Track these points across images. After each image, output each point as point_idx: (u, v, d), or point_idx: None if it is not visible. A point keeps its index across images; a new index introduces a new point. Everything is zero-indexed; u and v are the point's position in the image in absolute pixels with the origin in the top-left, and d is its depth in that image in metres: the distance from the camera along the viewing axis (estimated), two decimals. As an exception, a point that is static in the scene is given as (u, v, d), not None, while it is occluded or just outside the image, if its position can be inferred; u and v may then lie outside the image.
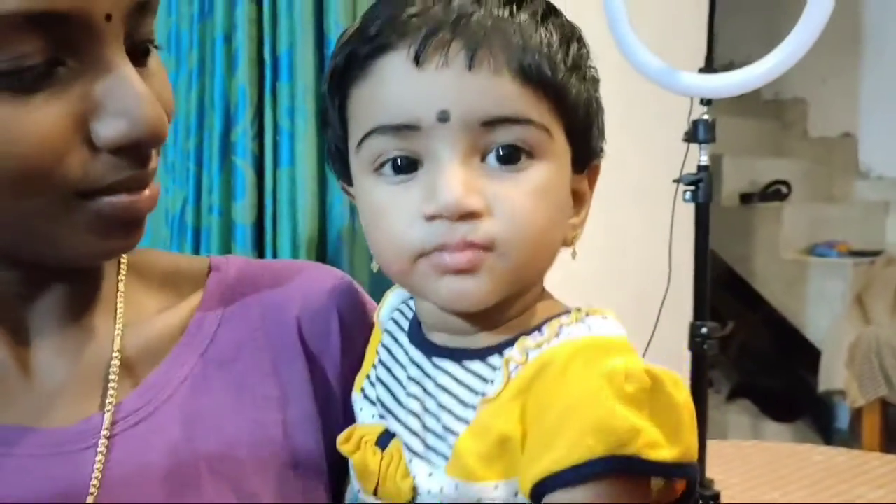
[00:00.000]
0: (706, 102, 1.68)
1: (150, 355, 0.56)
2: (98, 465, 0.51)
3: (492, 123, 0.47)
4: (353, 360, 0.60)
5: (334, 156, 0.55)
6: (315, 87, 1.49)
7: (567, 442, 0.43)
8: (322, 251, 1.52)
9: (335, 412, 0.60)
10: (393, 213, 0.49)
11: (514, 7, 0.49)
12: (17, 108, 0.45)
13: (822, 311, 3.32)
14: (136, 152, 0.48)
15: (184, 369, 0.56)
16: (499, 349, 0.50)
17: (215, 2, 1.52)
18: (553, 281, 0.54)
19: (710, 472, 2.35)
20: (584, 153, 0.53)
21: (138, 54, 0.50)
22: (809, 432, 3.46)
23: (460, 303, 0.49)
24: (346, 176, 0.54)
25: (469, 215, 0.47)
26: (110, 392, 0.53)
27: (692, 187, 1.68)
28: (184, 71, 1.57)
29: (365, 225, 0.52)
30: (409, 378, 0.53)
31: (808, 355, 3.30)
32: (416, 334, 0.54)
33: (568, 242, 0.54)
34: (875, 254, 3.37)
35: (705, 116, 1.68)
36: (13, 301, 0.53)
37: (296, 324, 0.60)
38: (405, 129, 0.48)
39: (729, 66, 1.63)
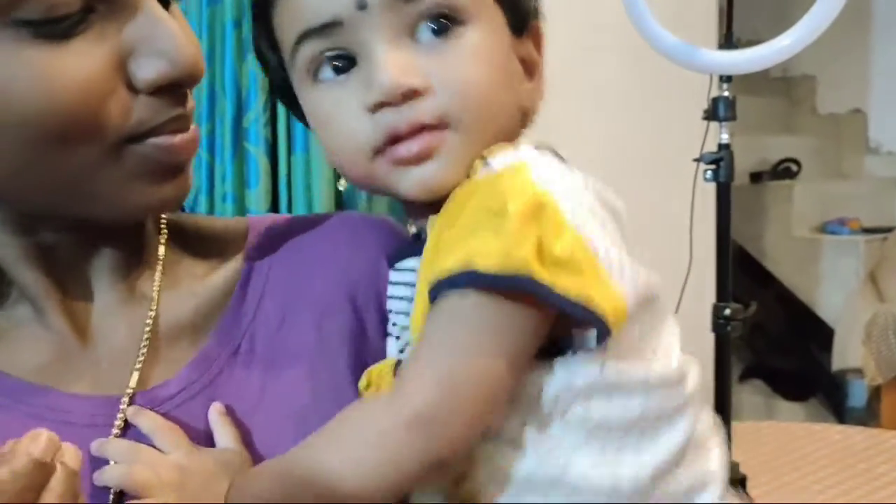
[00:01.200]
0: (726, 79, 1.65)
1: (200, 322, 0.56)
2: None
3: None
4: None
5: (282, 89, 0.53)
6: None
7: (438, 261, 0.44)
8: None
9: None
10: (338, 114, 0.49)
11: None
12: (54, 56, 0.44)
13: (835, 288, 3.30)
14: (175, 92, 0.48)
15: (234, 341, 0.56)
16: None
17: (224, -14, 1.49)
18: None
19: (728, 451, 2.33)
20: (518, 14, 0.52)
21: (162, 2, 0.50)
22: (823, 411, 3.45)
23: (428, 192, 0.48)
24: (298, 110, 0.53)
25: (411, 94, 0.46)
26: (137, 365, 0.53)
27: (713, 166, 1.65)
28: (193, 57, 1.54)
29: (319, 137, 0.52)
30: (396, 283, 0.54)
31: (821, 334, 3.29)
32: (414, 243, 0.53)
33: (527, 111, 0.53)
34: (887, 230, 3.34)
35: (725, 94, 1.65)
36: (63, 264, 0.53)
37: (343, 276, 0.59)
38: (329, 27, 0.47)
39: (737, 43, 1.61)
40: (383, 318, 0.58)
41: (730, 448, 1.67)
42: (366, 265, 0.59)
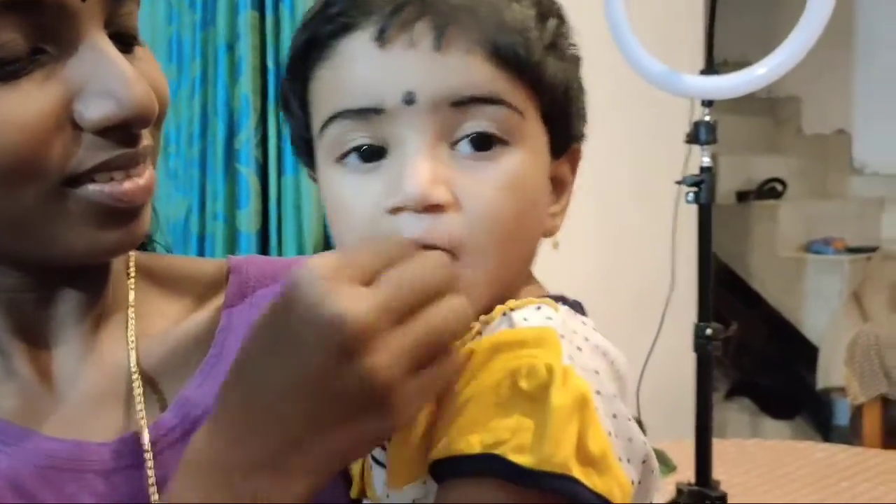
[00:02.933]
0: (707, 104, 1.69)
1: (176, 368, 0.55)
2: (152, 488, 0.50)
3: (462, 104, 0.44)
4: None
5: (299, 144, 0.51)
6: (319, 94, 1.49)
7: (454, 432, 0.41)
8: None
9: None
10: (356, 206, 0.46)
11: None
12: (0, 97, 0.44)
13: (819, 307, 3.33)
14: (124, 133, 0.47)
15: (216, 383, 0.54)
16: None
17: (217, 10, 1.52)
18: (554, 285, 0.51)
19: (713, 471, 2.35)
20: (563, 137, 0.49)
21: (123, 43, 0.48)
22: (808, 429, 3.47)
23: None
24: (313, 164, 0.51)
25: (435, 208, 0.44)
26: (139, 408, 0.52)
27: (695, 188, 1.69)
28: (186, 79, 1.57)
29: (329, 218, 0.49)
30: None
31: (806, 352, 3.31)
32: None
33: (548, 233, 0.51)
34: (871, 250, 3.38)
35: (706, 118, 1.69)
36: (27, 307, 0.51)
37: None
38: (369, 112, 0.44)
39: (723, 65, 1.64)
40: None
41: (710, 466, 1.68)
42: None
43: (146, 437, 0.51)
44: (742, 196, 3.61)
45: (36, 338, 0.52)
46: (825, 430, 3.42)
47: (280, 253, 1.52)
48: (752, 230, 3.54)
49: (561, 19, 0.48)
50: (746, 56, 1.58)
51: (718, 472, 2.41)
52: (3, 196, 0.45)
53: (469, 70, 0.44)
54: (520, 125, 0.46)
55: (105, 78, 0.45)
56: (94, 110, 0.45)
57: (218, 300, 0.58)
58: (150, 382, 0.54)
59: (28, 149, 0.44)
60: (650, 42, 1.66)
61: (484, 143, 0.45)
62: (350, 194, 0.46)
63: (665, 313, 1.80)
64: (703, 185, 1.69)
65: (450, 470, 0.41)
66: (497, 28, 0.45)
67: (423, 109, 0.44)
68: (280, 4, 1.50)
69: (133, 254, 0.57)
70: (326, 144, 0.47)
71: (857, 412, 3.00)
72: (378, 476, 0.49)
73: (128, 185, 0.47)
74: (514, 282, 0.48)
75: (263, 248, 1.53)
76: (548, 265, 0.54)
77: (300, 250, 1.51)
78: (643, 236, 1.93)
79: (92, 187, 0.47)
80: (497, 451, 0.39)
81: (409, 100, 0.44)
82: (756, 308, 3.63)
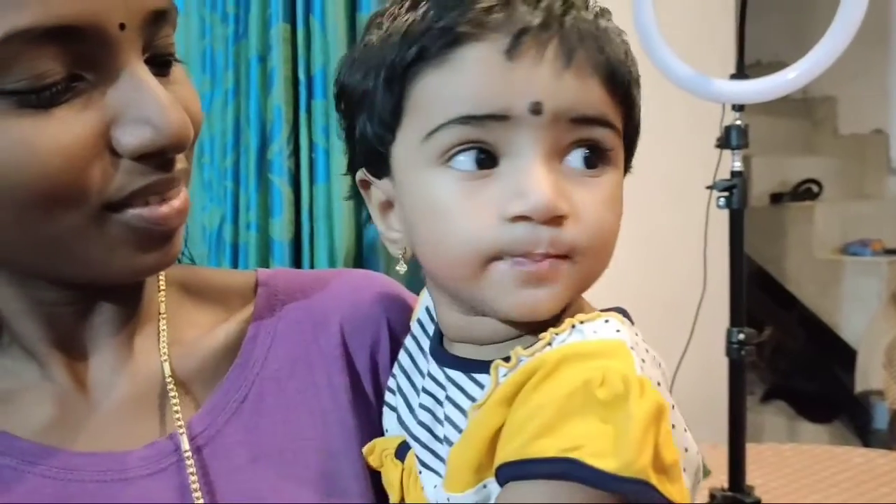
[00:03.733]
0: (738, 108, 1.68)
1: (205, 375, 0.56)
2: (194, 486, 0.51)
3: (579, 122, 0.47)
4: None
5: (365, 147, 0.51)
6: (349, 105, 1.51)
7: (526, 438, 0.42)
8: (359, 266, 1.54)
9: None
10: (465, 210, 0.46)
11: (596, 15, 0.49)
12: (38, 124, 0.44)
13: (857, 310, 3.28)
14: (160, 158, 0.48)
15: (241, 390, 0.56)
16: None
17: (249, 23, 1.55)
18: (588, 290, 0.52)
19: (749, 476, 2.33)
20: (630, 160, 0.53)
21: (159, 66, 0.50)
22: (847, 433, 3.42)
23: (532, 315, 0.47)
24: (376, 166, 0.52)
25: (555, 219, 0.46)
26: (176, 416, 0.53)
27: (726, 193, 1.68)
28: (219, 91, 1.59)
29: (418, 222, 0.49)
30: (423, 390, 0.53)
31: (844, 355, 3.27)
32: (437, 345, 0.53)
33: None
34: (910, 251, 3.33)
35: (738, 122, 1.68)
36: (65, 320, 0.53)
37: (339, 333, 0.60)
38: (491, 119, 0.46)
39: (756, 66, 1.63)
40: (376, 380, 0.60)
41: (744, 471, 1.67)
42: (368, 327, 0.61)
43: (185, 441, 0.52)
44: (777, 198, 3.57)
45: (72, 348, 0.54)
46: (864, 434, 3.37)
47: (312, 261, 1.54)
48: (788, 232, 3.50)
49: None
50: (780, 56, 1.58)
51: (754, 476, 2.39)
52: (43, 220, 0.46)
53: (589, 91, 0.47)
54: (618, 147, 0.49)
55: (142, 106, 0.46)
56: (131, 137, 0.46)
57: (247, 311, 0.60)
58: (181, 388, 0.55)
59: (68, 175, 0.45)
60: (682, 45, 1.66)
61: (592, 160, 0.48)
62: (456, 197, 0.47)
63: (697, 318, 1.79)
64: (734, 190, 1.68)
65: (519, 473, 0.42)
66: (613, 57, 0.48)
67: (547, 121, 0.46)
68: (311, 17, 1.52)
69: None
70: (433, 148, 0.47)
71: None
72: (429, 480, 0.50)
73: (164, 208, 0.49)
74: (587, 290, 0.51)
75: (296, 257, 1.55)
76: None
77: (332, 258, 1.53)
78: (676, 241, 1.92)
79: (131, 212, 0.48)
80: (574, 455, 0.41)
81: (537, 110, 0.45)
82: (793, 311, 3.59)
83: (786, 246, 3.51)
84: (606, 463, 0.40)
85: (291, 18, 1.52)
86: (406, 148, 0.49)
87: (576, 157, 0.47)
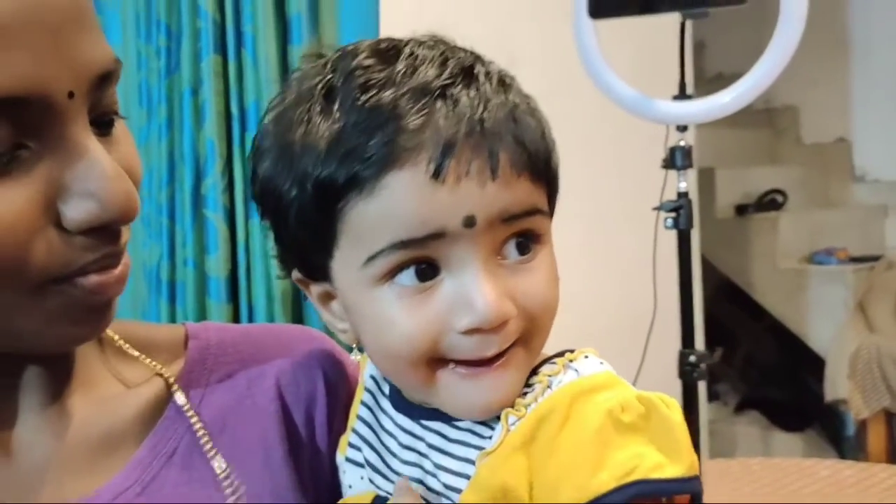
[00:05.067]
0: (682, 129, 1.67)
1: (134, 429, 0.55)
2: None
3: (510, 220, 0.48)
4: (339, 421, 0.59)
5: (299, 255, 0.52)
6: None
7: (580, 481, 0.44)
8: (298, 302, 1.52)
9: (324, 476, 0.59)
10: (412, 323, 0.48)
11: (505, 92, 0.50)
12: None
13: (824, 319, 3.30)
14: (108, 231, 0.47)
15: (170, 444, 0.55)
16: None
17: (182, 55, 1.52)
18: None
19: (718, 491, 2.32)
20: (552, 214, 0.54)
21: (102, 126, 0.49)
22: (821, 441, 3.43)
23: (490, 413, 0.49)
24: (312, 272, 0.52)
25: (505, 323, 0.47)
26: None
27: (673, 214, 1.67)
28: (154, 124, 1.57)
29: (365, 331, 0.51)
30: (402, 446, 0.53)
31: (814, 364, 3.28)
32: (400, 401, 0.54)
33: None
34: (875, 258, 3.34)
35: (682, 143, 1.67)
36: None
37: (275, 387, 0.60)
38: (428, 238, 0.47)
39: (718, 78, 1.62)
40: (312, 435, 0.59)
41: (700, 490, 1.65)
42: (304, 382, 0.60)
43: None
44: (742, 209, 3.58)
45: None
46: (838, 441, 3.38)
47: (250, 298, 1.52)
48: (753, 243, 3.51)
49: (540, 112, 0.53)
50: (742, 67, 1.57)
51: (722, 492, 2.38)
52: None
53: (516, 191, 0.48)
54: (547, 225, 0.51)
55: (88, 179, 0.45)
56: (77, 212, 0.45)
57: (177, 365, 0.59)
58: (110, 444, 0.54)
59: (11, 251, 0.44)
60: (631, 67, 1.65)
61: (526, 246, 0.50)
62: (406, 313, 0.48)
63: (648, 340, 1.78)
64: (681, 211, 1.67)
65: None
66: (532, 147, 0.49)
67: (480, 230, 0.47)
68: (242, 49, 1.50)
69: None
70: (374, 271, 0.48)
71: (863, 426, 2.95)
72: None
73: (106, 277, 0.48)
74: None
75: (233, 293, 1.52)
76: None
77: (269, 295, 1.50)
78: (626, 263, 1.91)
79: (77, 281, 0.47)
80: (635, 478, 0.44)
81: (470, 223, 0.47)
82: (761, 321, 3.59)
83: (751, 256, 3.52)
84: (669, 472, 0.45)
85: (222, 50, 1.50)
86: (345, 267, 0.50)
87: (510, 249, 0.49)
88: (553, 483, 0.45)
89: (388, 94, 0.47)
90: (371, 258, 0.48)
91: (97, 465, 0.53)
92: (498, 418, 0.49)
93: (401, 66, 0.48)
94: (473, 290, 0.47)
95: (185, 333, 0.61)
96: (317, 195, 0.48)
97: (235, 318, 1.53)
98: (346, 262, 0.49)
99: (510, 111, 0.49)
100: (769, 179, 3.70)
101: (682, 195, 1.67)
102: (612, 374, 0.49)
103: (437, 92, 0.47)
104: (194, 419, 0.56)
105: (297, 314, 1.52)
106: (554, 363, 0.51)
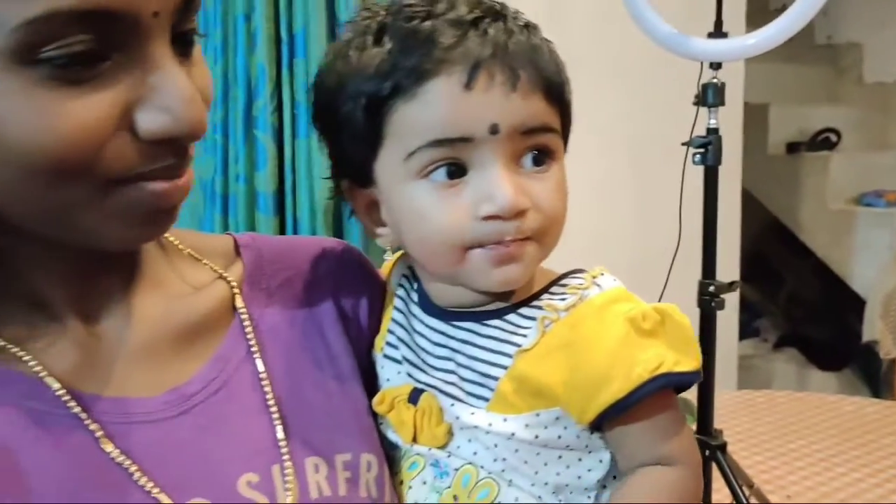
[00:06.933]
0: (716, 66, 1.70)
1: (208, 327, 0.60)
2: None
3: (528, 133, 0.57)
4: (374, 322, 0.68)
5: (349, 162, 0.61)
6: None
7: (620, 377, 0.55)
8: (338, 215, 1.62)
9: (364, 369, 0.66)
10: (444, 213, 0.57)
11: (528, 32, 0.59)
12: (64, 98, 0.45)
13: (869, 260, 3.29)
14: (175, 145, 0.49)
15: (244, 343, 0.61)
16: (513, 308, 0.60)
17: (236, -20, 1.60)
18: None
19: (739, 422, 2.40)
20: (566, 147, 0.63)
21: (182, 45, 0.51)
22: (855, 381, 3.44)
23: (506, 287, 0.59)
24: (361, 178, 0.61)
25: (518, 213, 0.56)
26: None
27: (701, 150, 1.72)
28: (210, 46, 1.66)
29: (404, 223, 0.59)
30: (435, 344, 0.63)
31: (856, 305, 3.28)
32: (430, 306, 0.64)
33: None
34: (926, 203, 3.30)
35: (714, 80, 1.71)
36: (74, 275, 0.55)
37: (331, 293, 0.66)
38: (458, 141, 0.56)
39: (781, 10, 1.62)
40: (360, 335, 0.67)
41: (712, 416, 1.72)
42: (354, 289, 0.68)
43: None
44: (793, 147, 3.55)
45: (82, 301, 0.56)
46: (873, 382, 3.40)
47: (295, 212, 1.62)
48: (803, 182, 3.49)
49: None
50: (788, 2, 1.57)
51: (743, 422, 2.46)
52: (51, 189, 0.47)
53: (533, 106, 0.57)
54: (559, 145, 0.60)
55: (166, 95, 0.48)
56: (152, 123, 0.48)
57: (236, 270, 0.64)
58: (189, 339, 0.59)
59: (84, 150, 0.46)
60: (672, 5, 1.68)
61: (541, 160, 0.58)
62: (435, 203, 0.57)
63: (671, 271, 1.85)
64: (709, 147, 1.72)
65: (631, 401, 0.55)
66: (547, 71, 0.58)
67: (503, 137, 0.56)
68: (293, -23, 1.57)
69: None
70: (413, 166, 0.57)
71: (892, 365, 2.98)
72: (464, 410, 0.60)
73: (169, 186, 0.50)
74: None
75: (280, 207, 1.63)
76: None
77: (313, 209, 1.60)
78: (656, 196, 1.97)
79: (140, 184, 0.49)
80: (662, 371, 0.55)
81: (494, 131, 0.56)
82: (808, 260, 3.59)
83: (800, 196, 3.50)
84: (684, 366, 0.56)
85: (275, -22, 1.58)
86: (388, 165, 0.59)
87: (528, 161, 0.58)
88: (601, 376, 0.55)
89: (428, 23, 0.57)
90: (411, 154, 0.57)
91: (183, 356, 0.58)
92: (523, 316, 0.60)
93: (440, 5, 0.58)
94: (494, 185, 0.56)
95: (235, 242, 0.66)
96: (367, 106, 0.57)
97: (282, 231, 1.64)
98: (390, 160, 0.58)
99: (531, 45, 0.58)
100: (825, 118, 3.64)
101: (712, 131, 1.72)
102: (623, 289, 0.59)
103: (470, 22, 0.57)
104: (248, 328, 0.61)
105: (338, 227, 1.63)
106: (581, 278, 0.60)
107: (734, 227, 2.76)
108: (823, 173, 3.43)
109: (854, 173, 3.46)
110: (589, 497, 0.60)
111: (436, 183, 0.57)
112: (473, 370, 0.60)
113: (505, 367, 0.59)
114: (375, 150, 0.59)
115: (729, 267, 2.63)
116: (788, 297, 3.81)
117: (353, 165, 0.61)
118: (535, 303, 0.60)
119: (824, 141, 3.57)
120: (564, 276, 0.62)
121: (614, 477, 0.60)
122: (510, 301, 0.61)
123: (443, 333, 0.62)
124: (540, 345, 0.58)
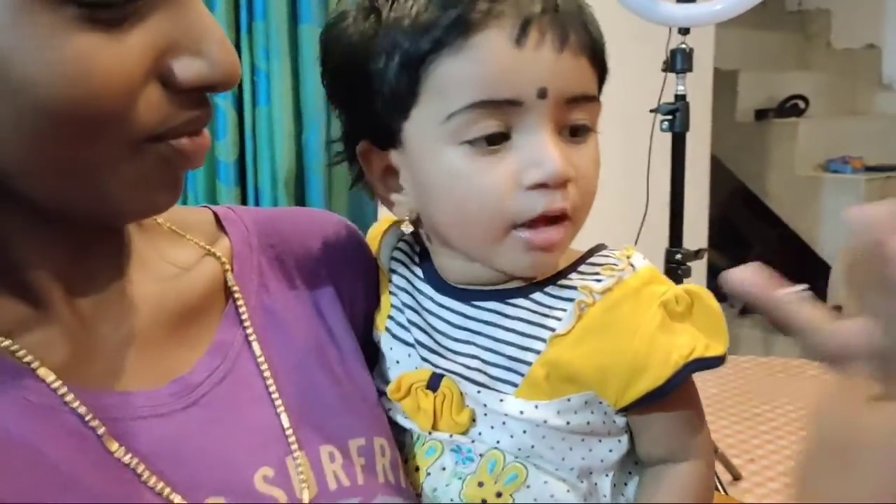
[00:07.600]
0: (684, 31, 1.69)
1: (203, 310, 0.56)
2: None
3: (573, 101, 0.53)
4: (373, 299, 0.64)
5: (373, 122, 0.55)
6: (288, 29, 1.53)
7: (658, 363, 0.53)
8: (300, 185, 1.59)
9: (363, 348, 0.63)
10: (485, 182, 0.52)
11: None
12: (94, 41, 0.42)
13: (835, 227, 3.32)
14: (202, 94, 0.47)
15: (241, 326, 0.57)
16: (538, 286, 0.57)
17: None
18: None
19: (706, 385, 2.42)
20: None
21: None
22: (821, 346, 3.49)
23: (534, 273, 0.56)
24: (384, 140, 0.56)
25: (566, 182, 0.53)
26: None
27: (669, 117, 1.71)
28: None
29: (437, 191, 0.54)
30: (454, 326, 0.58)
31: (822, 271, 3.32)
32: (444, 286, 0.59)
33: None
34: (891, 169, 3.33)
35: (682, 45, 1.69)
36: (62, 255, 0.50)
37: (327, 270, 0.63)
38: (507, 104, 0.51)
39: None
40: (354, 310, 0.63)
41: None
42: (347, 262, 0.64)
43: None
44: (762, 114, 3.56)
45: (71, 284, 0.51)
46: (838, 347, 3.44)
47: (256, 181, 1.60)
48: (771, 149, 3.50)
49: None
50: None
51: (710, 387, 2.48)
52: (78, 147, 0.43)
53: (580, 71, 0.53)
54: (598, 116, 0.56)
55: (202, 40, 0.45)
56: (188, 70, 0.45)
57: (222, 245, 0.60)
58: (184, 324, 0.55)
59: (118, 100, 0.43)
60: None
61: (581, 131, 0.55)
62: (475, 171, 0.52)
63: (638, 238, 1.85)
64: (677, 114, 1.71)
65: (667, 389, 0.54)
66: (594, 34, 0.54)
67: (550, 103, 0.52)
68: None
69: None
70: (452, 128, 0.52)
71: (856, 332, 3.01)
72: (492, 397, 0.56)
73: (195, 141, 0.47)
74: None
75: (241, 177, 1.60)
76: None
77: (274, 178, 1.58)
78: (622, 164, 1.96)
79: (167, 144, 0.46)
80: (695, 356, 0.54)
81: (543, 95, 0.52)
82: (776, 227, 3.62)
83: (768, 163, 3.51)
84: (714, 350, 0.55)
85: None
86: (423, 126, 0.54)
87: (566, 134, 0.54)
88: (639, 362, 0.53)
89: None
90: (452, 114, 0.52)
91: (180, 342, 0.54)
92: (551, 296, 0.56)
93: None
94: (543, 151, 0.52)
95: (215, 214, 0.62)
96: (403, 62, 0.52)
97: (243, 201, 1.61)
98: (424, 122, 0.53)
99: (578, 3, 0.54)
100: (794, 84, 3.65)
101: (680, 98, 1.71)
102: (654, 269, 0.57)
103: None
104: (243, 309, 0.57)
105: (300, 198, 1.60)
106: (614, 258, 0.57)
107: (703, 194, 2.77)
108: (791, 140, 3.44)
109: (822, 140, 3.48)
110: (607, 476, 0.58)
111: (476, 148, 0.52)
112: (500, 353, 0.56)
113: (538, 352, 0.55)
114: (407, 111, 0.54)
115: (697, 234, 2.64)
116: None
117: (377, 124, 0.56)
118: (562, 282, 0.57)
119: (792, 107, 3.59)
120: (590, 253, 0.59)
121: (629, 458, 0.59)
122: (534, 279, 0.57)
123: (462, 314, 0.58)
124: (576, 329, 0.55)
